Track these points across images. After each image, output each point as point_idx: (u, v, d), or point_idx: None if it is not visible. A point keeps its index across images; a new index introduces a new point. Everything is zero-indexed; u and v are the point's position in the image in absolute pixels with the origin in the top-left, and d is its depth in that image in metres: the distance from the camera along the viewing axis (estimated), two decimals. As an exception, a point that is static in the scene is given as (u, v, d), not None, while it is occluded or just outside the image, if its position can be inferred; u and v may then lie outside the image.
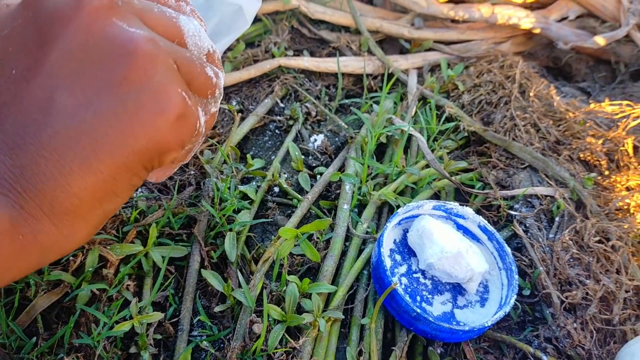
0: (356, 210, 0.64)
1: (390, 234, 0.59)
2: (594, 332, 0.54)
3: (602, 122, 0.74)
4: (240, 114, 0.71)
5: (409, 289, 0.55)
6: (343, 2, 0.87)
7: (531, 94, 0.75)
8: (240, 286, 0.53)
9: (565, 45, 0.84)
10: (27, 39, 0.29)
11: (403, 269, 0.57)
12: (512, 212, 0.63)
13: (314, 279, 0.56)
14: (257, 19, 0.86)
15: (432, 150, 0.70)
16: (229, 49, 0.80)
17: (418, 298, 0.55)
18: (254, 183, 0.64)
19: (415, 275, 0.57)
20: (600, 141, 0.69)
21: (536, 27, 0.86)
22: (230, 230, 0.56)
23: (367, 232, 0.60)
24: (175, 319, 0.52)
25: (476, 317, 0.55)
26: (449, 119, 0.76)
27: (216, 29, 0.63)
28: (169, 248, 0.55)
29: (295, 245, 0.57)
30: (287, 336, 0.50)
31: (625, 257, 0.58)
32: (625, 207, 0.62)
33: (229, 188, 0.60)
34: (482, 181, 0.69)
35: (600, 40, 0.83)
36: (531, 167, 0.68)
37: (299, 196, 0.63)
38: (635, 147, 0.69)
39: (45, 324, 0.51)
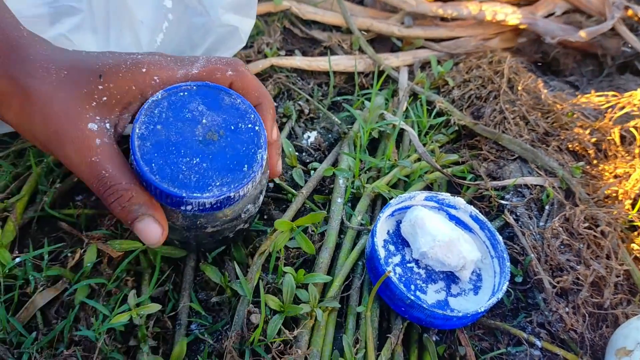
0: (350, 203, 0.65)
1: (383, 225, 0.60)
2: (586, 316, 0.55)
3: (590, 113, 0.75)
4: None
5: (403, 278, 0.56)
6: (334, 2, 0.89)
7: (519, 88, 0.76)
8: (237, 278, 0.54)
9: (553, 39, 0.86)
10: None
11: (397, 259, 0.58)
12: (503, 202, 0.64)
13: (310, 271, 0.57)
14: (249, 21, 0.87)
15: (424, 144, 0.72)
16: (222, 50, 0.81)
17: (412, 287, 0.56)
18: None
19: (409, 264, 0.58)
20: (587, 131, 0.71)
21: (523, 23, 0.87)
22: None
23: (361, 224, 0.61)
24: (174, 313, 0.53)
25: (470, 304, 0.56)
26: (439, 114, 0.77)
27: (212, 47, 0.64)
28: (167, 248, 0.55)
29: (290, 239, 0.58)
30: (282, 327, 0.51)
31: (615, 242, 0.59)
32: (614, 194, 0.64)
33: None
34: (473, 173, 0.70)
35: (585, 34, 0.85)
36: (521, 158, 0.70)
37: (294, 191, 0.64)
38: (622, 137, 0.70)
39: (44, 320, 0.52)
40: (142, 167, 0.42)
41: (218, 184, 0.43)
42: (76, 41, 0.56)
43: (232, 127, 0.45)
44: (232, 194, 0.43)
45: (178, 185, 0.42)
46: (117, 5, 0.56)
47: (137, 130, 0.43)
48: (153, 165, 0.42)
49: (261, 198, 0.51)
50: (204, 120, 0.45)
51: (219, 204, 0.44)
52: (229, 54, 0.66)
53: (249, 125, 0.46)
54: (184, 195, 0.42)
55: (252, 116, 0.46)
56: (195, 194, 0.42)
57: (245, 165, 0.44)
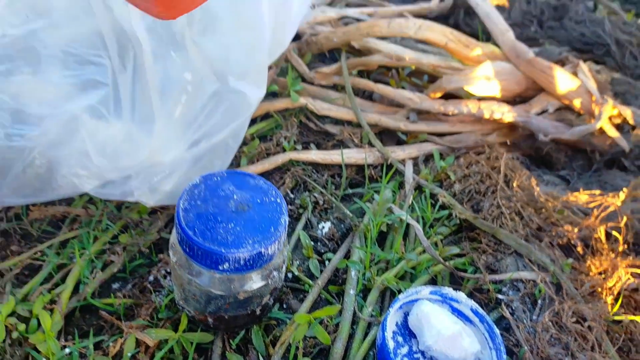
0: (361, 294, 0.71)
1: (392, 318, 0.66)
2: (575, 407, 0.61)
3: (579, 208, 0.83)
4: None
5: (410, 369, 0.62)
6: (346, 98, 0.98)
7: (515, 184, 0.84)
8: (261, 368, 0.60)
9: (545, 137, 0.94)
10: None
11: (405, 349, 0.64)
12: (500, 296, 0.71)
13: (325, 360, 0.63)
14: (268, 115, 0.96)
15: (428, 237, 0.79)
16: (244, 143, 0.90)
17: (418, 376, 0.62)
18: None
19: (415, 355, 0.64)
20: (576, 229, 0.78)
21: (518, 121, 0.96)
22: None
23: (371, 315, 0.67)
24: (203, 398, 0.59)
25: (470, 393, 0.61)
26: (442, 207, 0.84)
27: (226, 113, 0.73)
28: (196, 335, 0.62)
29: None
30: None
31: (600, 334, 0.65)
32: (599, 289, 0.70)
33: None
34: (473, 265, 0.76)
35: (576, 133, 0.93)
36: (516, 252, 0.77)
37: (310, 282, 0.71)
38: (607, 234, 0.77)
39: (88, 404, 0.57)
40: (187, 232, 0.53)
41: (251, 242, 0.53)
42: (105, 111, 0.63)
43: (259, 201, 0.57)
44: (262, 250, 0.53)
45: (217, 244, 0.52)
46: (140, 79, 0.64)
47: (181, 206, 0.55)
48: (196, 230, 0.53)
49: (283, 271, 0.61)
50: (235, 197, 0.57)
51: (251, 261, 0.53)
52: (242, 118, 0.73)
53: (272, 199, 0.58)
54: (223, 251, 0.52)
55: (274, 192, 0.59)
56: (232, 250, 0.52)
57: (272, 227, 0.55)
